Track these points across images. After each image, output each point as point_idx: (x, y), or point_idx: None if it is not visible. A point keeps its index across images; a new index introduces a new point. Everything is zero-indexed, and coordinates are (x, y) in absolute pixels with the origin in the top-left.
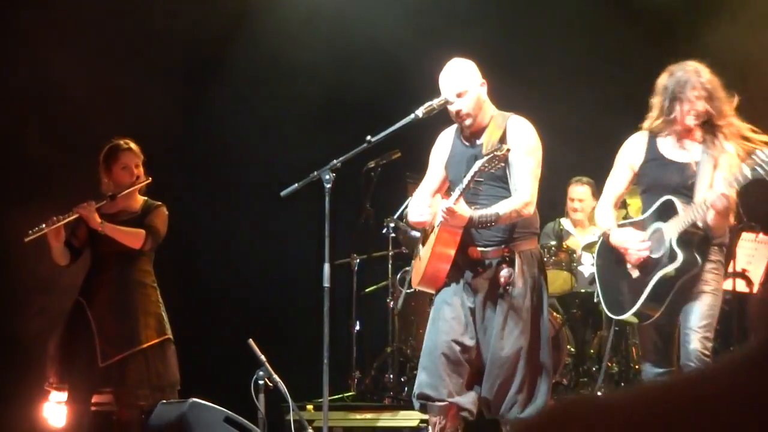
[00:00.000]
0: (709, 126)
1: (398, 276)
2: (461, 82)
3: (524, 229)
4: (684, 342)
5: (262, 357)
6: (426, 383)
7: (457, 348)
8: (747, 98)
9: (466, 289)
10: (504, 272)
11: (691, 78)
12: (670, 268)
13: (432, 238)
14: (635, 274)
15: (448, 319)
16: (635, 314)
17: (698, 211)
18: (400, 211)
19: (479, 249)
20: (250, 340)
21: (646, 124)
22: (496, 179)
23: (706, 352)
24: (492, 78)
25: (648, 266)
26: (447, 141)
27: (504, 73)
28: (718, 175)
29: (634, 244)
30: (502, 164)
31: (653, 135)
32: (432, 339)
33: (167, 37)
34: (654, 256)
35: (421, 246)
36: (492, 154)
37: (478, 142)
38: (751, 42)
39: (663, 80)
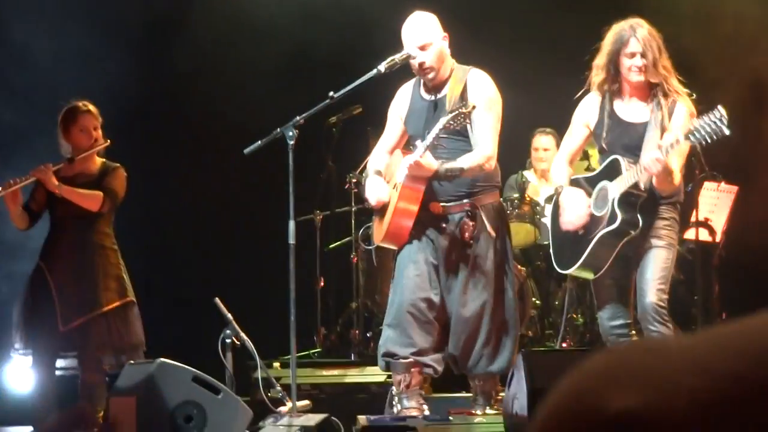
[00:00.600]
0: (658, 85)
1: (360, 232)
2: (424, 34)
3: (486, 182)
4: (640, 296)
5: (229, 315)
6: (392, 340)
7: (423, 305)
8: (695, 49)
9: (429, 246)
10: (466, 226)
11: (629, 34)
12: (608, 229)
13: (395, 194)
14: (580, 231)
15: (413, 277)
16: (586, 267)
17: (637, 173)
18: (362, 166)
19: (441, 204)
20: (216, 298)
21: (595, 79)
22: (457, 133)
23: (662, 304)
24: (452, 31)
25: (591, 224)
26: (406, 96)
27: (463, 26)
28: (665, 137)
29: (572, 215)
30: (468, 120)
31: (606, 95)
32: (398, 297)
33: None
34: (597, 213)
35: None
36: (457, 111)
37: (438, 95)
38: None
39: (607, 39)
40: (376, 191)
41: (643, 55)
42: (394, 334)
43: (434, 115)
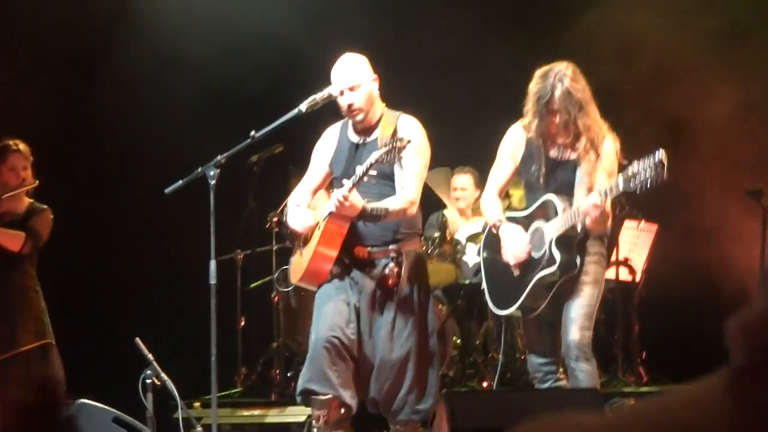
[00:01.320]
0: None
1: (276, 275)
2: (354, 75)
3: (409, 229)
4: (564, 333)
5: (150, 356)
6: (308, 377)
7: (338, 343)
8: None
9: (351, 287)
10: (391, 272)
11: (548, 93)
12: (547, 271)
13: (317, 233)
14: (516, 271)
15: (330, 314)
16: (518, 309)
17: (574, 216)
18: (283, 205)
19: (367, 249)
20: (137, 339)
21: (524, 122)
22: (385, 177)
23: (585, 341)
24: (378, 71)
25: (528, 266)
26: (332, 137)
27: (385, 64)
28: (598, 178)
29: (516, 247)
30: (400, 156)
31: (531, 132)
32: (314, 334)
33: (43, 36)
34: (534, 255)
35: (300, 242)
36: (391, 146)
37: (368, 138)
38: (627, 20)
39: (532, 86)
40: (302, 219)
41: (560, 114)
42: (311, 371)
43: (361, 157)
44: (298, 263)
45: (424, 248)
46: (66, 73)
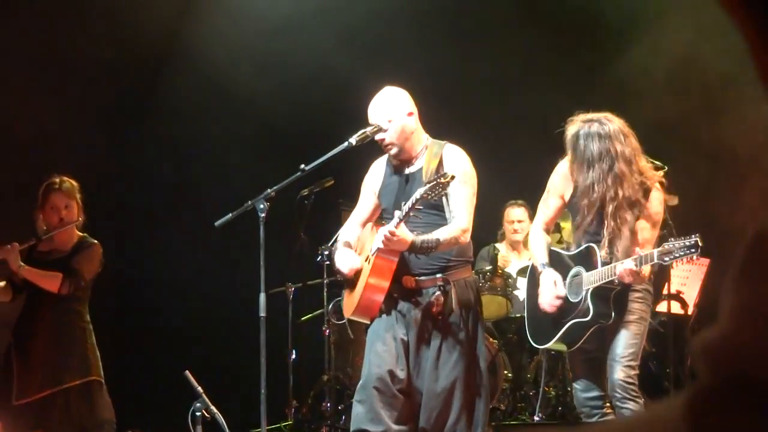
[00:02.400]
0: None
1: (329, 307)
2: (385, 112)
3: (459, 257)
4: (609, 372)
5: (199, 388)
6: (362, 417)
7: (389, 380)
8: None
9: (399, 321)
10: (437, 301)
11: (582, 146)
12: (581, 320)
13: (367, 267)
14: (555, 312)
15: (380, 352)
16: (560, 342)
17: (612, 273)
18: (334, 239)
19: (414, 278)
20: (187, 371)
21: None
22: (432, 207)
23: (630, 380)
24: (424, 104)
25: (565, 309)
26: (380, 169)
27: (436, 99)
28: (643, 226)
29: (549, 297)
30: (445, 192)
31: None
32: (366, 372)
33: (93, 71)
34: (572, 299)
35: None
36: (435, 182)
37: (409, 170)
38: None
39: (573, 130)
40: (347, 261)
41: (595, 169)
42: (364, 410)
43: (408, 189)
44: (350, 298)
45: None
46: (116, 107)
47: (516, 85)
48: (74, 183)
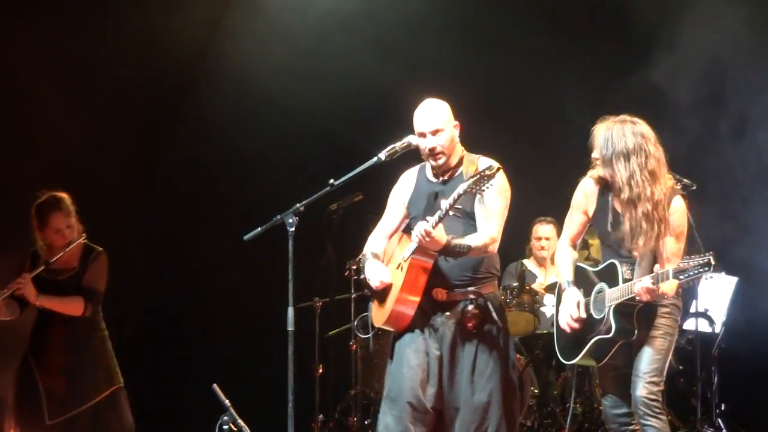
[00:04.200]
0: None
1: (356, 321)
2: (438, 120)
3: (488, 271)
4: (632, 388)
5: (227, 401)
6: (392, 429)
7: (422, 396)
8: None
9: (431, 334)
10: (471, 314)
11: (632, 141)
12: (604, 336)
13: (399, 275)
14: (579, 328)
15: (414, 366)
16: (589, 357)
17: (633, 290)
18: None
19: (445, 291)
20: (215, 384)
21: (595, 174)
22: (465, 215)
23: (653, 397)
24: (458, 119)
25: (589, 324)
26: (410, 180)
27: (468, 115)
28: (666, 241)
29: (567, 317)
30: (488, 186)
31: (604, 185)
32: (397, 384)
33: (125, 80)
34: (596, 315)
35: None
36: (479, 175)
37: (444, 179)
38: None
39: (602, 133)
40: (377, 273)
41: (625, 166)
42: (392, 423)
43: (442, 196)
44: (382, 308)
45: (502, 297)
46: (148, 116)
47: (548, 103)
48: (67, 197)
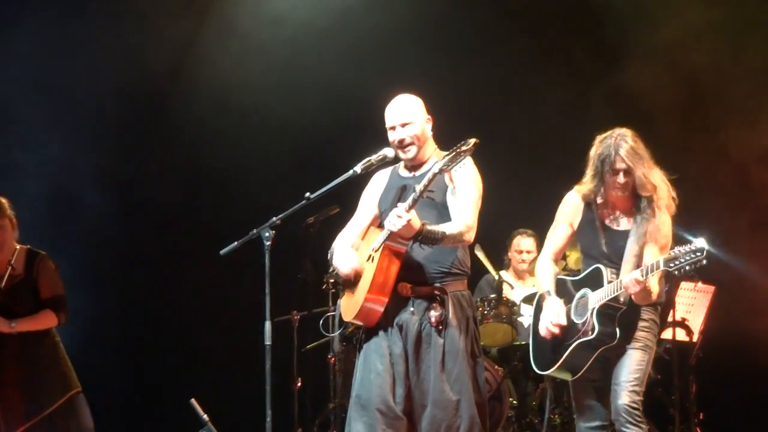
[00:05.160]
0: (644, 190)
1: (320, 322)
2: (407, 112)
3: (458, 268)
4: (613, 397)
5: (205, 416)
6: None
7: (391, 401)
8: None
9: (395, 333)
10: (435, 312)
11: (612, 152)
12: (585, 339)
13: (370, 266)
14: (559, 335)
15: (381, 372)
16: (564, 370)
17: (618, 288)
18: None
19: (410, 286)
20: (193, 399)
21: (581, 188)
22: (439, 206)
23: (635, 406)
24: (442, 132)
25: (570, 331)
26: (382, 179)
27: (447, 123)
28: (650, 251)
29: (547, 322)
30: (463, 164)
31: (590, 198)
32: (366, 391)
33: (101, 101)
34: (576, 321)
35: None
36: (455, 151)
37: (419, 173)
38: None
39: (594, 150)
40: (347, 260)
41: (628, 173)
42: (363, 430)
43: (413, 190)
44: (351, 301)
45: (480, 310)
46: (123, 134)
47: (530, 116)
48: (4, 201)
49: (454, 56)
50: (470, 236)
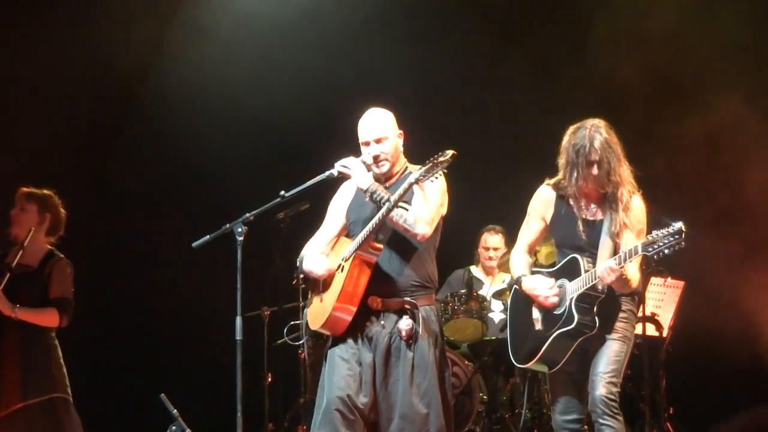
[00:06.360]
0: (613, 185)
1: (285, 329)
2: (382, 128)
3: (425, 281)
4: (591, 388)
5: (175, 411)
6: None
7: (351, 404)
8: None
9: (364, 344)
10: (405, 325)
11: (587, 143)
12: (564, 329)
13: (340, 277)
14: (538, 326)
15: (344, 376)
16: (542, 362)
17: (594, 278)
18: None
19: (380, 299)
20: (162, 394)
21: (552, 181)
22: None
23: (612, 397)
24: (404, 127)
25: (549, 321)
26: (351, 189)
27: (416, 122)
28: (626, 238)
29: (543, 290)
30: (438, 175)
31: (563, 189)
32: (327, 394)
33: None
34: (556, 312)
35: (319, 288)
36: (431, 162)
37: (388, 186)
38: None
39: (567, 141)
40: (320, 262)
41: (599, 165)
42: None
43: (387, 201)
44: (319, 308)
45: (450, 305)
46: (95, 130)
47: (499, 113)
48: (46, 192)
49: (422, 48)
50: (423, 230)
